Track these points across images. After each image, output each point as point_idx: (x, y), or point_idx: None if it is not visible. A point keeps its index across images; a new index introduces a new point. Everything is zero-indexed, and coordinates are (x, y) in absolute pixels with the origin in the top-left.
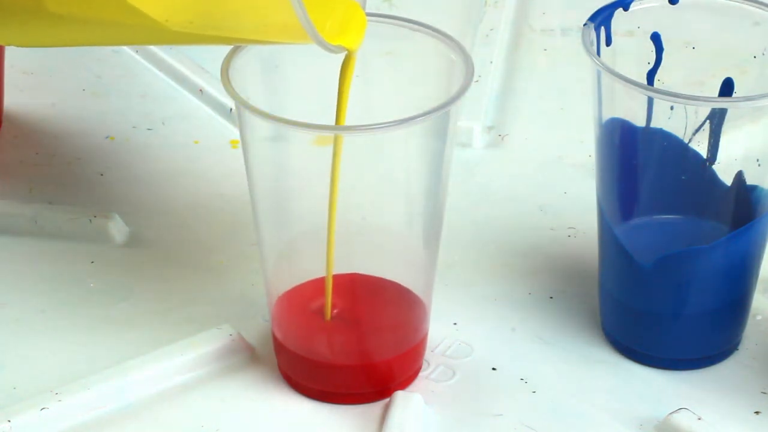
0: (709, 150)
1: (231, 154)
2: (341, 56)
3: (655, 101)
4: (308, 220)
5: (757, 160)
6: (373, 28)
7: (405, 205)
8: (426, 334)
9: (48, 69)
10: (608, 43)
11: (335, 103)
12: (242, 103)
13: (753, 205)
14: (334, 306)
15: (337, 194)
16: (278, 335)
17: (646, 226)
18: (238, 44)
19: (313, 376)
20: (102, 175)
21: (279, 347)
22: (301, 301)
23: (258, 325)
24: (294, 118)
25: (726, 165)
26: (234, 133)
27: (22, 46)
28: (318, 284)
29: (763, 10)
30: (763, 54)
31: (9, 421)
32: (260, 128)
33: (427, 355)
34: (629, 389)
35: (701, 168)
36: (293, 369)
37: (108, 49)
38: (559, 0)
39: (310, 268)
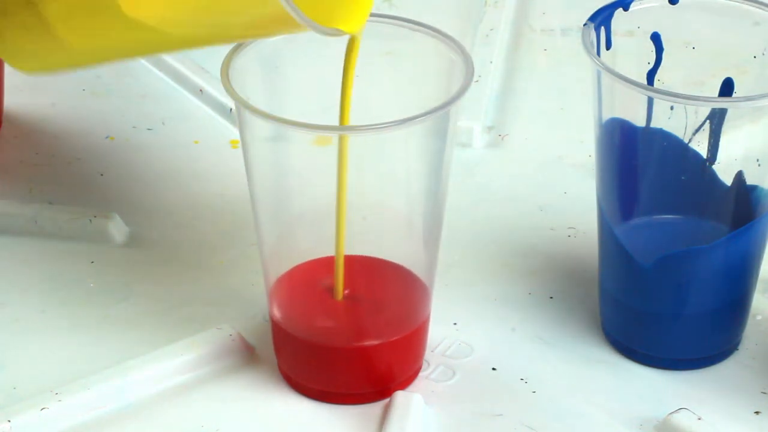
0: (709, 150)
1: (231, 154)
2: (340, 57)
3: (655, 101)
4: (308, 219)
5: (757, 160)
6: (373, 28)
7: (405, 205)
8: (428, 319)
9: None
10: (608, 46)
11: (339, 99)
12: (242, 103)
13: (753, 205)
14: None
15: (346, 190)
16: (277, 317)
17: (646, 226)
18: (238, 42)
19: (312, 371)
20: (102, 175)
21: (278, 336)
22: (301, 280)
23: (258, 325)
24: (294, 118)
25: (726, 165)
26: (234, 133)
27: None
28: (317, 264)
29: (763, 10)
30: (763, 54)
31: (9, 421)
32: (260, 128)
33: (427, 355)
34: (629, 389)
35: (701, 168)
36: (293, 364)
37: None
38: (559, 0)
39: (308, 255)
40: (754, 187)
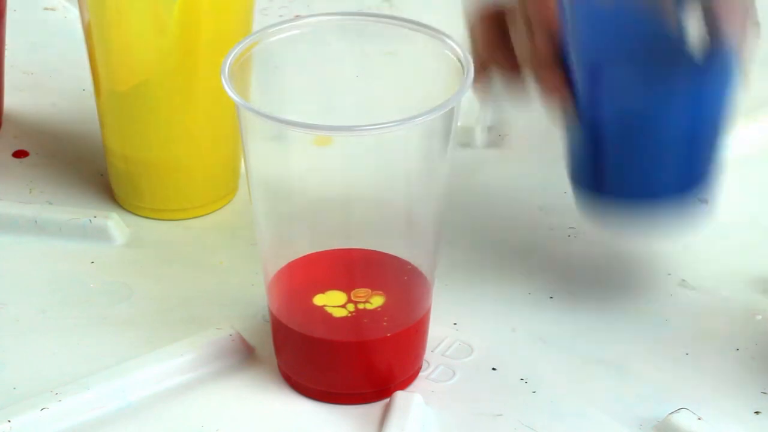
0: None
1: None
2: (340, 57)
3: None
4: (307, 217)
5: None
6: (373, 28)
7: (405, 204)
8: (428, 313)
9: (48, 69)
10: None
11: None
12: (242, 103)
13: None
14: (335, 279)
15: None
16: (276, 311)
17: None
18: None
19: (312, 371)
20: (102, 175)
21: (278, 332)
22: (300, 273)
23: (258, 325)
24: (294, 118)
25: None
26: None
27: None
28: (315, 258)
29: None
30: None
31: (9, 421)
32: (260, 128)
33: (427, 355)
34: (629, 389)
35: None
36: (293, 363)
37: None
38: None
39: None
40: None
